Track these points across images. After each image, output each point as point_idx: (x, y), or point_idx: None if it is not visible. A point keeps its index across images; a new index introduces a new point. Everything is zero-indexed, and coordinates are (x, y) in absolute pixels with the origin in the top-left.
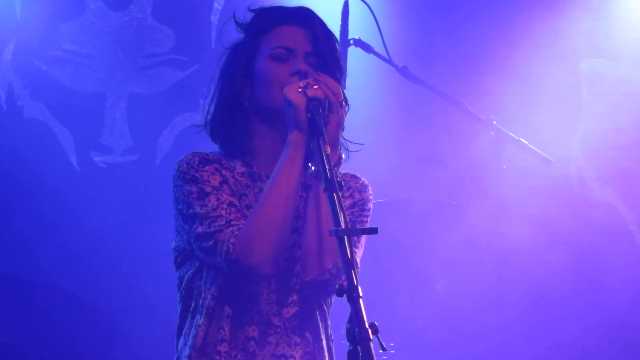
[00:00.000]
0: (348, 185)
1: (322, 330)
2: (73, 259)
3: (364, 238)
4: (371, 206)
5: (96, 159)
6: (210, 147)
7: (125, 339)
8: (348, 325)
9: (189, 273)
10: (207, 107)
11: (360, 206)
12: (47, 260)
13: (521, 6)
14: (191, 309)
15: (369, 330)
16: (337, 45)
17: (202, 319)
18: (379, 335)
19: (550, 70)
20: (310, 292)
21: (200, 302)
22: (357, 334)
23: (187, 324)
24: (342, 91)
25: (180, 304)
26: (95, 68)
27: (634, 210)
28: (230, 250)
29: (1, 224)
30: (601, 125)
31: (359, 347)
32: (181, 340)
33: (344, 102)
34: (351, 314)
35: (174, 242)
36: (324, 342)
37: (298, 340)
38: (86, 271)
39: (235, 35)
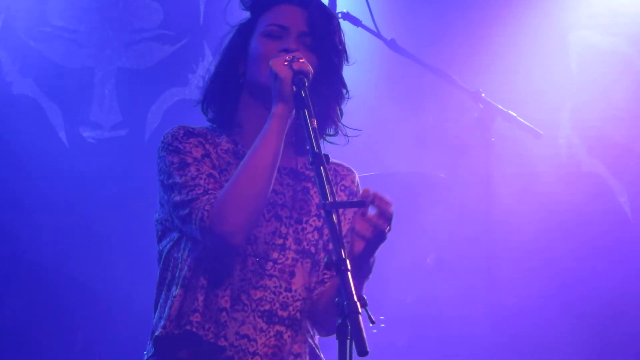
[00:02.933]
0: (341, 176)
1: (301, 329)
2: (63, 236)
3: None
4: None
5: (85, 134)
6: (199, 122)
7: (117, 314)
8: (337, 299)
9: (167, 245)
10: (206, 79)
11: (354, 194)
12: (37, 237)
13: None
14: (167, 281)
15: (358, 304)
16: (337, 28)
17: (177, 290)
18: (367, 308)
19: (539, 42)
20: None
21: (177, 274)
22: (345, 307)
23: (163, 296)
24: (341, 78)
25: (158, 277)
26: (83, 44)
27: (622, 182)
28: (204, 218)
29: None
30: (590, 97)
31: (348, 321)
32: (157, 313)
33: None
34: (340, 288)
35: (156, 214)
36: (302, 343)
37: (264, 326)
38: (76, 248)
39: (229, 11)
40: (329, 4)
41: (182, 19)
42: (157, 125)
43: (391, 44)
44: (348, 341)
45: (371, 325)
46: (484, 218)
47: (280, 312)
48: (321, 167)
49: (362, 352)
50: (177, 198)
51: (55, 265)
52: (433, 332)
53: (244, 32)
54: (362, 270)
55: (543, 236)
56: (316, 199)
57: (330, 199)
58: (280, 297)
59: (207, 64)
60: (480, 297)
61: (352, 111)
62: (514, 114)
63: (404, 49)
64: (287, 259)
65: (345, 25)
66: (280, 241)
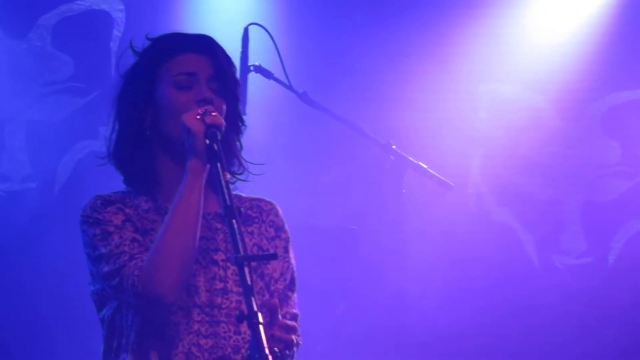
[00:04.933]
0: (266, 212)
1: None
2: None
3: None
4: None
5: None
6: (110, 175)
7: None
8: (249, 352)
9: (108, 314)
10: (108, 137)
11: (281, 229)
12: None
13: (418, 33)
14: (115, 348)
15: (270, 357)
16: (235, 68)
17: (128, 356)
18: None
19: (450, 94)
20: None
21: (124, 340)
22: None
23: None
24: (240, 114)
25: (104, 345)
26: None
27: (532, 233)
28: (135, 283)
29: None
30: (499, 148)
31: None
32: None
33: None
34: (252, 341)
35: (91, 286)
36: None
37: None
38: None
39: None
40: (241, 57)
41: (93, 72)
42: (67, 177)
43: (303, 97)
44: None
45: None
46: (396, 268)
47: (233, 357)
48: (233, 221)
49: None
50: (106, 269)
51: None
52: None
53: (143, 81)
54: None
55: (455, 285)
56: (248, 242)
57: (242, 252)
58: (231, 341)
59: None
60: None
61: (265, 160)
62: (425, 166)
63: (315, 101)
64: (231, 302)
65: (256, 77)
66: (221, 285)
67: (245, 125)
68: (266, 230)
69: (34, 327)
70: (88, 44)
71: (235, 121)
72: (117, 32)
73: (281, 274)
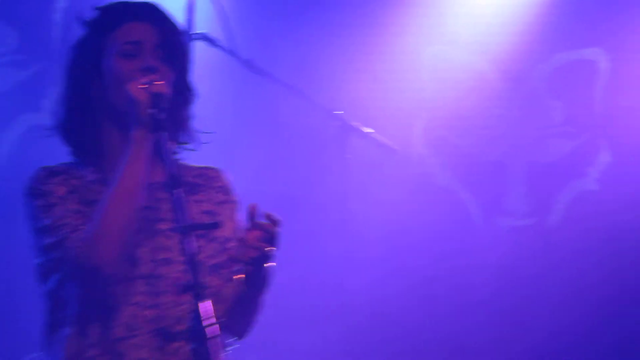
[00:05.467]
0: (212, 178)
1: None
2: None
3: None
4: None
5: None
6: (54, 149)
7: None
8: (192, 322)
9: (52, 286)
10: (55, 108)
11: (229, 192)
12: None
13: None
14: (57, 321)
15: (213, 328)
16: (183, 36)
17: (70, 328)
18: (223, 333)
19: (394, 59)
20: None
21: (67, 312)
22: (202, 331)
23: (55, 337)
24: (190, 83)
25: (47, 318)
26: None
27: (475, 196)
28: (77, 255)
29: None
30: (442, 111)
31: (203, 346)
32: (50, 356)
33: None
34: (195, 311)
35: (35, 258)
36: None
37: (161, 343)
38: None
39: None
40: (187, 24)
41: (37, 44)
42: (9, 150)
43: (248, 64)
44: None
45: (227, 350)
46: (340, 235)
47: (177, 327)
48: (176, 190)
49: None
50: (48, 241)
51: None
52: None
53: (91, 52)
54: (251, 301)
55: (398, 250)
56: (196, 209)
57: (185, 221)
58: (174, 311)
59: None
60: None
61: (211, 129)
62: (370, 130)
63: (260, 68)
64: (175, 271)
65: (202, 46)
66: (166, 255)
67: (194, 95)
68: (214, 196)
69: None
70: (31, 15)
71: (183, 90)
72: (61, 3)
73: (233, 234)
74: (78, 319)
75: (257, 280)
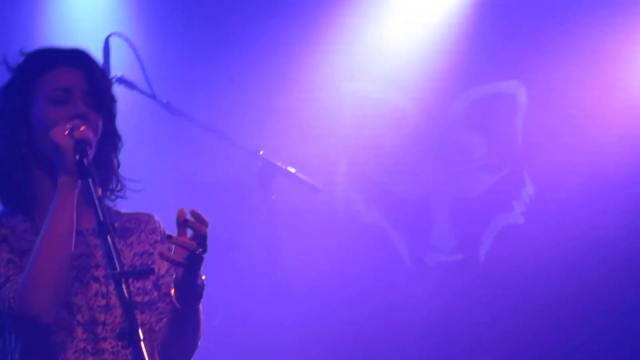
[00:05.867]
0: (145, 222)
1: None
2: None
3: None
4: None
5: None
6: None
7: None
8: None
9: None
10: None
11: (163, 233)
12: None
13: (280, 36)
14: None
15: None
16: (110, 81)
17: None
18: None
19: (313, 96)
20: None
21: None
22: None
23: None
24: (116, 130)
25: None
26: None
27: (402, 232)
28: (11, 305)
29: None
30: (364, 149)
31: None
32: None
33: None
34: (133, 358)
35: None
36: None
37: None
38: None
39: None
40: (103, 67)
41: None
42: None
43: (167, 107)
44: None
45: None
46: (269, 275)
47: None
48: (107, 237)
49: None
50: None
51: None
52: None
53: (18, 98)
54: (187, 317)
55: (327, 287)
56: (127, 251)
57: (118, 267)
58: (120, 356)
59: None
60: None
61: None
62: (293, 170)
63: (180, 110)
64: (115, 317)
65: (119, 89)
66: (104, 301)
67: (120, 140)
68: (148, 237)
69: None
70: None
71: (112, 137)
72: None
73: (167, 270)
74: None
75: (190, 287)
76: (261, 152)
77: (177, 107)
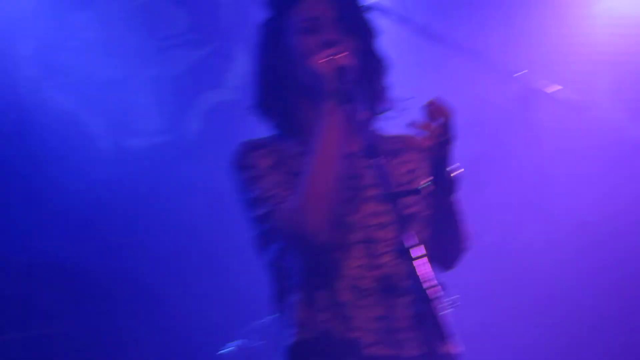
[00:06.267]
0: (404, 139)
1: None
2: (114, 246)
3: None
4: None
5: (127, 144)
6: (240, 122)
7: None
8: (412, 286)
9: (273, 256)
10: (250, 88)
11: None
12: (89, 248)
13: None
14: (284, 289)
15: (434, 290)
16: (362, 6)
17: (298, 295)
18: (444, 292)
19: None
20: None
21: (292, 280)
22: (421, 295)
23: (283, 305)
24: (375, 50)
25: (273, 287)
26: (114, 54)
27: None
28: (285, 226)
29: (44, 216)
30: (623, 65)
31: (425, 307)
32: (280, 323)
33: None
34: (411, 275)
35: (251, 231)
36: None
37: (396, 300)
38: (126, 255)
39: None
40: None
41: (206, 24)
42: (196, 129)
43: (424, 31)
44: (427, 327)
45: (448, 309)
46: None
47: (403, 283)
48: (376, 158)
49: (444, 336)
50: (258, 213)
51: (103, 269)
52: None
53: (275, 32)
54: (446, 210)
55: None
56: (398, 171)
57: (389, 188)
58: (399, 269)
59: (239, 64)
60: None
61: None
62: (556, 89)
63: (436, 34)
64: (390, 233)
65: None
66: (379, 220)
67: (385, 63)
68: (414, 156)
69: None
70: None
71: (373, 59)
72: None
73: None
74: (303, 286)
75: (440, 179)
76: (521, 72)
77: (433, 32)
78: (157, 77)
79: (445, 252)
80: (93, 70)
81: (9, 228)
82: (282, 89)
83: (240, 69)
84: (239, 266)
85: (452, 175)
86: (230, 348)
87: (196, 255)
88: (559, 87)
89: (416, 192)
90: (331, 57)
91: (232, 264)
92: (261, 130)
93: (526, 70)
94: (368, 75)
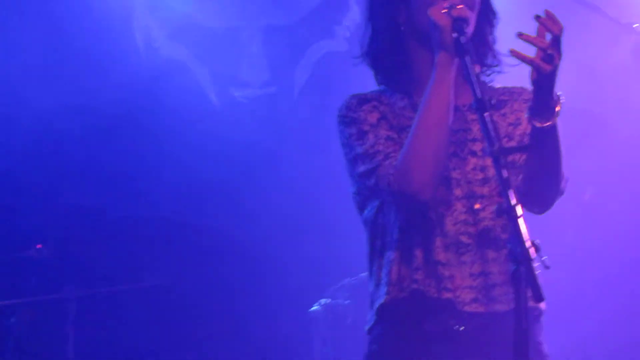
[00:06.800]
0: (518, 94)
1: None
2: (227, 199)
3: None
4: None
5: (236, 94)
6: (349, 75)
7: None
8: (510, 245)
9: (370, 214)
10: (362, 37)
11: None
12: (198, 201)
13: None
14: (379, 248)
15: (531, 250)
16: None
17: (393, 254)
18: (540, 254)
19: None
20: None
21: (388, 238)
22: (519, 254)
23: (377, 263)
24: (491, 5)
25: (368, 245)
26: (227, 3)
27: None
28: (390, 182)
29: (155, 170)
30: None
31: (522, 268)
32: (372, 281)
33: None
34: (511, 234)
35: (351, 187)
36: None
37: (494, 255)
38: (238, 208)
39: None
40: None
41: None
42: (306, 80)
43: None
44: (524, 288)
45: (545, 269)
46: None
47: (502, 235)
48: (484, 113)
49: (539, 298)
50: (362, 169)
51: (227, 230)
52: None
53: None
54: (545, 126)
55: None
56: (502, 123)
57: (496, 144)
58: (498, 225)
59: (353, 14)
60: None
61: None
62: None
63: None
64: (493, 189)
65: None
66: (482, 175)
67: (497, 17)
68: (521, 106)
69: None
70: None
71: (488, 13)
72: None
73: None
74: (400, 244)
75: (544, 98)
76: (636, 25)
77: None
78: (269, 27)
79: (543, 189)
80: (204, 19)
81: (124, 185)
82: (395, 38)
83: (352, 20)
84: (334, 224)
85: (556, 99)
86: (318, 307)
87: (292, 214)
88: None
89: (522, 149)
90: (450, 9)
91: (329, 222)
92: (369, 83)
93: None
94: (481, 27)
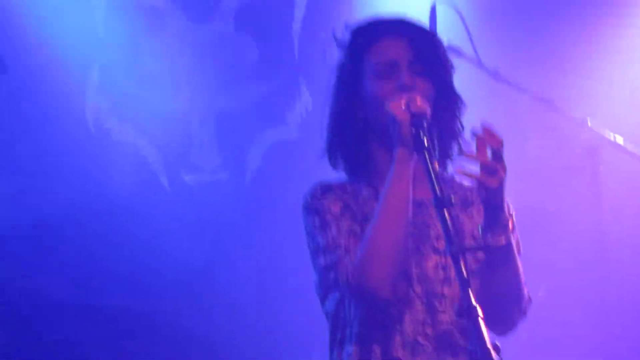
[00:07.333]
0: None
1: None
2: (167, 281)
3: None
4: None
5: (186, 178)
6: (299, 163)
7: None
8: (470, 347)
9: (332, 306)
10: (323, 134)
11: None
12: (139, 282)
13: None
14: (338, 340)
15: (492, 351)
16: (440, 43)
17: (352, 347)
18: (501, 355)
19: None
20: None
21: (348, 331)
22: (479, 354)
23: (336, 354)
24: (454, 92)
25: (329, 336)
26: (180, 87)
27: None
28: (349, 279)
29: (94, 247)
30: None
31: None
32: None
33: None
34: (472, 335)
35: (314, 276)
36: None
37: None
38: (178, 292)
39: (325, 47)
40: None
41: (276, 56)
42: (257, 166)
43: (495, 75)
44: None
45: None
46: (595, 247)
47: (462, 342)
48: (444, 210)
49: None
50: (322, 262)
51: (158, 313)
52: None
53: (349, 75)
54: (497, 241)
55: None
56: (467, 223)
57: (455, 243)
58: (457, 328)
59: (305, 102)
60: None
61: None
62: (621, 140)
63: (507, 79)
64: (454, 290)
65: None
66: (443, 274)
67: (462, 104)
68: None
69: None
70: (270, 26)
71: (450, 101)
72: (298, 12)
73: None
74: (359, 338)
75: (494, 213)
76: (589, 122)
77: (504, 76)
78: (221, 111)
79: (502, 309)
80: (156, 102)
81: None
82: (354, 133)
83: (304, 107)
84: (295, 309)
85: (507, 215)
86: None
87: (247, 297)
88: (622, 139)
89: (484, 248)
90: (409, 103)
91: (287, 307)
92: (321, 172)
93: (591, 120)
94: (443, 117)
